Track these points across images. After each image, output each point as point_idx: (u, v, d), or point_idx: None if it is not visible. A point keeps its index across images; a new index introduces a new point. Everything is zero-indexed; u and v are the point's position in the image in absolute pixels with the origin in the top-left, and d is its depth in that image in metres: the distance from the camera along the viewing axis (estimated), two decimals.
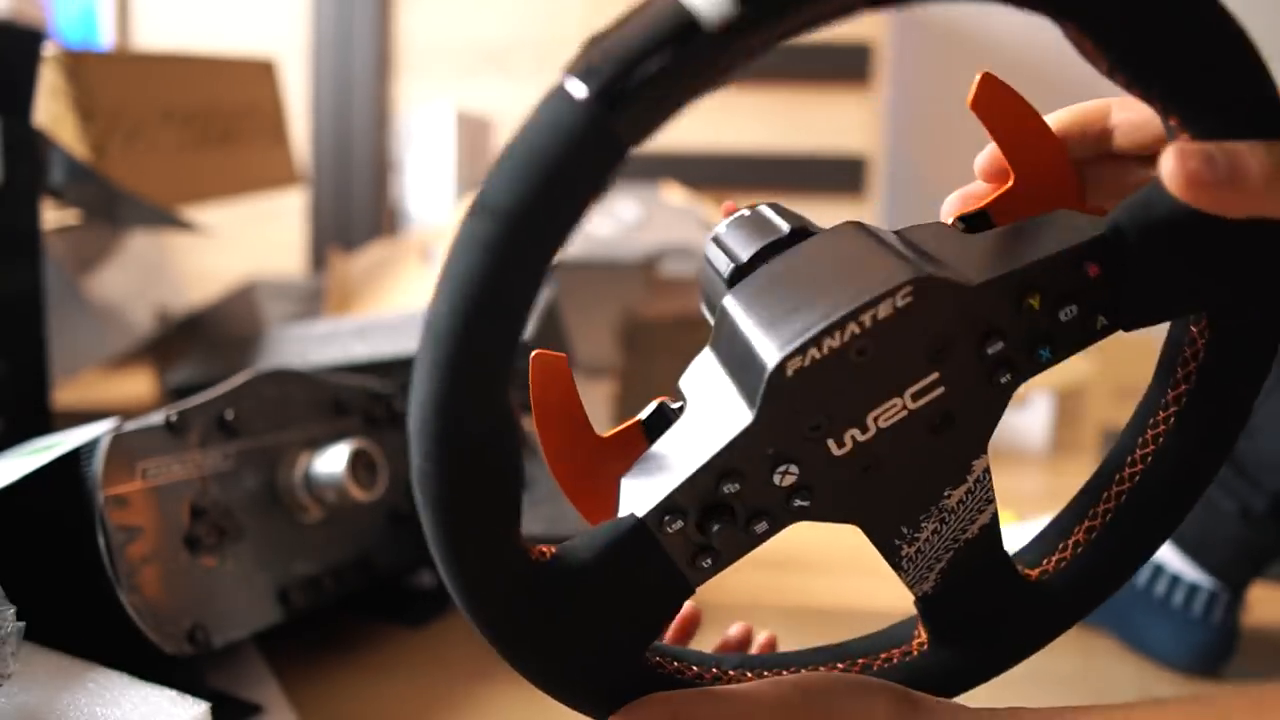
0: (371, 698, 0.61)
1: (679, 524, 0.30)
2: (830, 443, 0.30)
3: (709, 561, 0.31)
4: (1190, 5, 0.27)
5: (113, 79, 0.83)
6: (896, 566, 0.34)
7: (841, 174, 1.44)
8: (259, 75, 1.05)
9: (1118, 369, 1.56)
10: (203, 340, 1.09)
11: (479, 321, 0.25)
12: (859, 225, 0.31)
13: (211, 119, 0.96)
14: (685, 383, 0.32)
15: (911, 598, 0.35)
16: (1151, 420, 0.34)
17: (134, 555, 0.51)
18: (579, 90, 0.24)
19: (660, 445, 0.31)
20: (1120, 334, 0.32)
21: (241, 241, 1.55)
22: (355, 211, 1.57)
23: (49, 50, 0.78)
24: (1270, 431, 0.66)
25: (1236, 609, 0.68)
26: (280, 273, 1.52)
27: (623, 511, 0.30)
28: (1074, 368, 1.21)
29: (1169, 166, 0.27)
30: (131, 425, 0.53)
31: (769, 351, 0.28)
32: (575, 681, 0.32)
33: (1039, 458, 1.18)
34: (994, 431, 0.32)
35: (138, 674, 0.49)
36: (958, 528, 0.33)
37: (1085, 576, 0.35)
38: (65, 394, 1.03)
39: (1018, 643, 0.36)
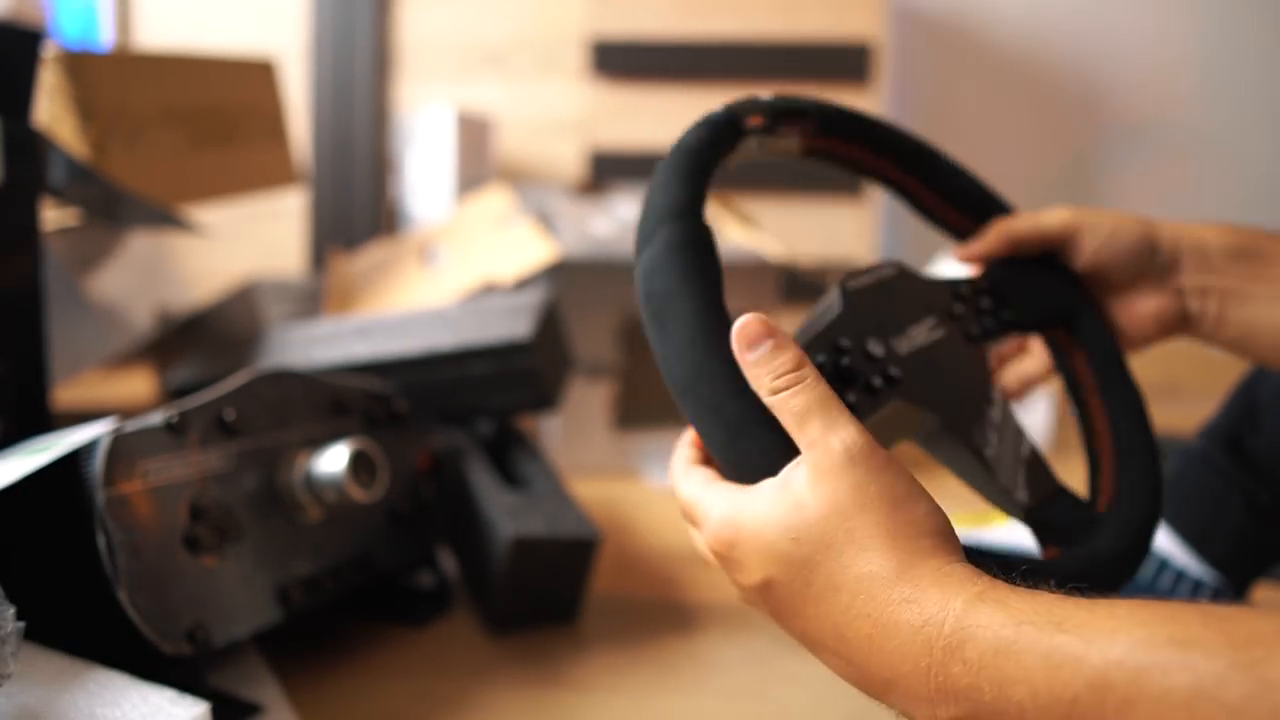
0: (371, 698, 0.61)
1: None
2: (892, 340, 0.45)
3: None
4: None
5: (113, 79, 0.83)
6: (989, 468, 0.45)
7: (842, 173, 1.44)
8: (259, 75, 1.05)
9: None
10: (203, 340, 1.09)
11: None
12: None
13: (211, 119, 0.96)
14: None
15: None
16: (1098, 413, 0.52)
17: (134, 555, 0.51)
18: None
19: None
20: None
21: (241, 241, 1.55)
22: (355, 211, 1.57)
23: (49, 50, 0.78)
24: (1277, 425, 0.66)
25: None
26: (280, 273, 1.52)
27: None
28: None
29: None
30: (131, 425, 0.53)
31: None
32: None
33: None
34: (994, 375, 0.49)
35: (138, 674, 0.49)
36: (1013, 444, 0.46)
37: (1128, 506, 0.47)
38: (65, 394, 1.03)
39: (1106, 560, 0.44)
